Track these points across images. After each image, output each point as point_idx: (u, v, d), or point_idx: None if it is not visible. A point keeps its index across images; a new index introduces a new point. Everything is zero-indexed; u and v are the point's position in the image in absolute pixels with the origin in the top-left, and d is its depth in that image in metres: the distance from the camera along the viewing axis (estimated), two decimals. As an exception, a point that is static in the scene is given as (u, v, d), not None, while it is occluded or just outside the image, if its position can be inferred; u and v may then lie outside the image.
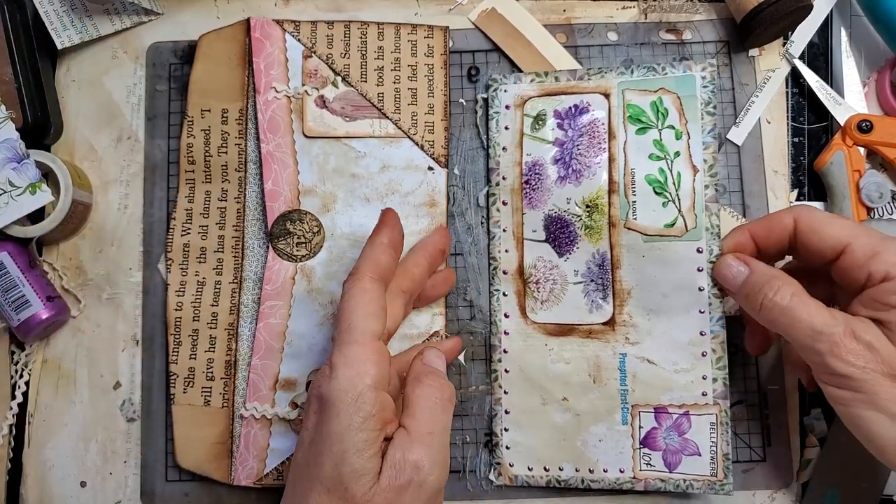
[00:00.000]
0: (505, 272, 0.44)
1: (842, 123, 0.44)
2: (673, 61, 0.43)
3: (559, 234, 0.43)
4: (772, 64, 0.46)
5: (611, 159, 0.42)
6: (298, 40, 0.45)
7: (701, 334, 0.41)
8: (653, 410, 0.41)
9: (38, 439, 0.45)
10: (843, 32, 0.46)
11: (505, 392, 0.43)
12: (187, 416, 0.44)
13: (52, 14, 0.45)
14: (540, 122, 0.43)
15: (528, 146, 0.44)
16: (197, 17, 0.47)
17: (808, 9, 0.43)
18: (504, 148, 0.44)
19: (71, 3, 0.45)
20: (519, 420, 0.43)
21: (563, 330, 0.43)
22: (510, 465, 0.43)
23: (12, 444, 0.45)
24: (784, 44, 0.46)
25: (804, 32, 0.46)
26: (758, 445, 0.44)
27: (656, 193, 0.41)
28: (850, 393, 0.33)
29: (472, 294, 0.45)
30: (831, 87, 0.46)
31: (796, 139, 0.46)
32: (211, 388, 0.44)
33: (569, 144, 0.43)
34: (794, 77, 0.46)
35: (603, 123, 0.43)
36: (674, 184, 0.41)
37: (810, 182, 0.46)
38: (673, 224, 0.41)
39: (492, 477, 0.43)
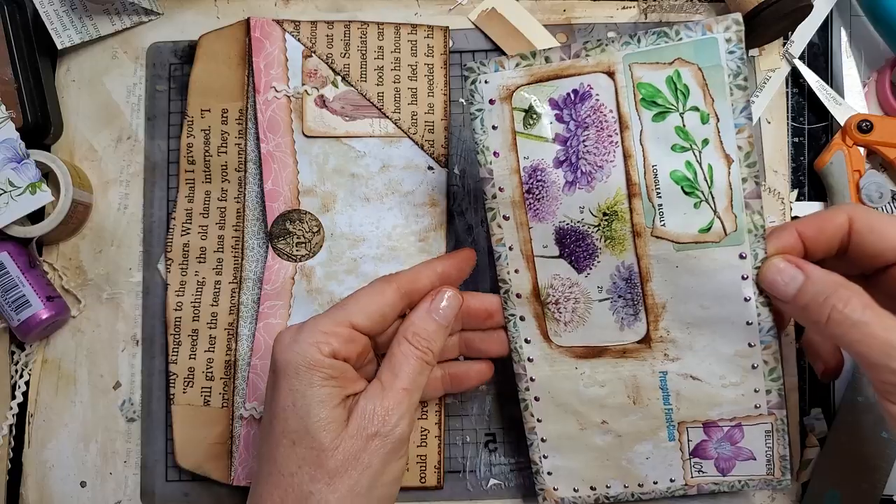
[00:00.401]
0: (518, 295, 0.38)
1: (842, 123, 0.44)
2: (688, 22, 0.34)
3: (575, 248, 0.37)
4: (772, 64, 0.46)
5: (626, 155, 0.35)
6: (298, 40, 0.45)
7: (749, 346, 0.37)
8: (701, 426, 0.39)
9: (38, 439, 0.45)
10: (843, 32, 0.46)
11: (539, 420, 0.40)
12: (187, 417, 0.44)
13: (52, 14, 0.45)
14: (534, 117, 0.36)
15: (524, 147, 0.36)
16: (197, 17, 0.47)
17: (808, 9, 0.43)
18: (496, 153, 0.37)
19: (71, 3, 0.45)
20: (558, 446, 0.40)
21: (594, 352, 0.38)
22: (554, 489, 0.41)
23: (12, 444, 0.45)
24: (784, 44, 0.46)
25: (804, 32, 0.46)
26: (758, 445, 0.44)
27: (685, 193, 0.35)
28: None
29: (472, 294, 0.45)
30: (831, 87, 0.46)
31: (796, 139, 0.46)
32: (211, 388, 0.44)
33: (573, 141, 0.36)
34: (794, 77, 0.46)
35: (611, 110, 0.35)
36: (705, 179, 0.34)
37: (810, 182, 0.46)
38: (709, 228, 0.35)
39: (540, 502, 0.42)
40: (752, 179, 0.34)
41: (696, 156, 0.34)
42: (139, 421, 0.45)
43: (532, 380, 0.40)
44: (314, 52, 0.45)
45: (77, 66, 0.47)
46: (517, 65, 0.35)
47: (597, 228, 0.36)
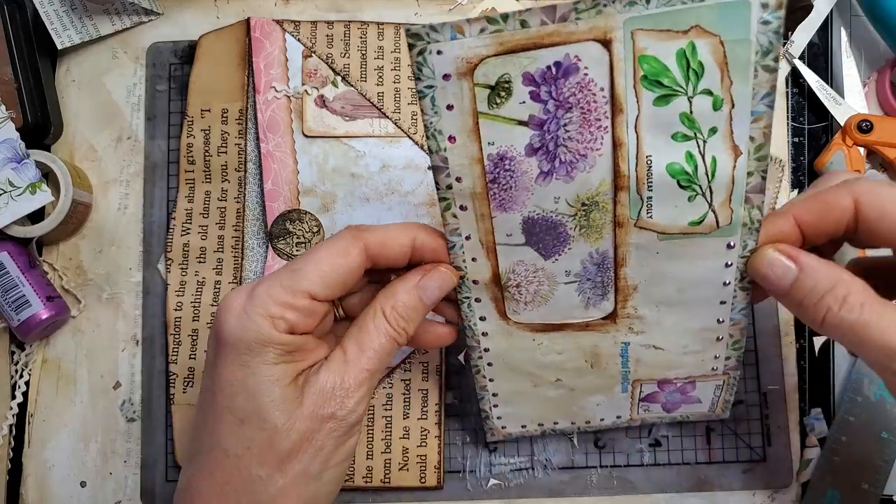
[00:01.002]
0: (476, 282, 0.34)
1: (842, 123, 0.44)
2: None
3: (544, 236, 0.32)
4: (772, 64, 0.46)
5: (616, 144, 0.29)
6: (298, 40, 0.45)
7: (718, 322, 0.35)
8: (656, 383, 0.39)
9: (38, 439, 0.45)
10: (843, 32, 0.46)
11: (490, 380, 0.39)
12: (187, 416, 0.44)
13: (52, 14, 0.45)
14: (503, 94, 0.28)
15: (489, 131, 0.29)
16: (197, 17, 0.47)
17: (808, 9, 0.43)
18: (451, 137, 0.29)
19: (71, 3, 0.45)
20: (510, 399, 0.40)
21: (554, 327, 0.36)
22: (503, 427, 0.42)
23: (12, 444, 0.45)
24: (784, 44, 0.46)
25: (804, 32, 0.46)
26: (758, 445, 0.44)
27: (681, 187, 0.30)
28: None
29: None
30: (831, 87, 0.46)
31: (796, 139, 0.46)
32: (211, 388, 0.44)
33: (551, 125, 0.29)
34: (794, 77, 0.46)
35: (602, 89, 0.28)
36: (707, 174, 0.30)
37: (810, 182, 0.46)
38: (700, 221, 0.31)
39: (488, 437, 0.42)
40: (758, 173, 0.29)
41: (699, 146, 0.29)
42: (139, 421, 0.45)
43: (486, 350, 0.37)
44: (314, 52, 0.45)
45: (77, 66, 0.47)
46: (482, 30, 0.27)
47: (572, 218, 0.32)
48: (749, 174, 0.30)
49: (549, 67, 0.28)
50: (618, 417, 0.41)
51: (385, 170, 0.45)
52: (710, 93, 0.28)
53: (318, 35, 0.46)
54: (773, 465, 0.43)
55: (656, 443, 0.44)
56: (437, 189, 0.31)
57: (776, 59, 0.27)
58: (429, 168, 0.45)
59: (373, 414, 0.44)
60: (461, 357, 0.44)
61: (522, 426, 0.42)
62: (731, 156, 0.29)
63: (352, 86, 0.45)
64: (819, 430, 0.44)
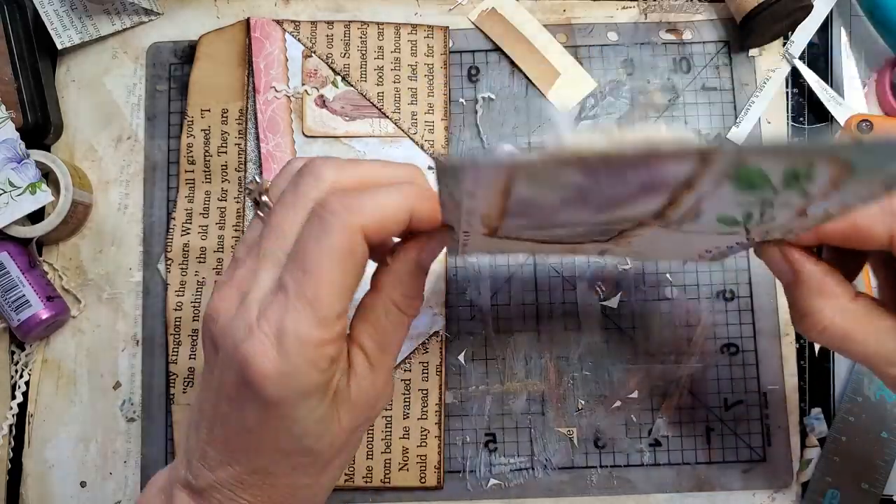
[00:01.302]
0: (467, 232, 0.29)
1: (842, 123, 0.44)
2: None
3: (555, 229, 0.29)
4: (772, 64, 0.46)
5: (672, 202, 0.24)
6: (298, 40, 0.45)
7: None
8: None
9: (38, 439, 0.45)
10: (843, 32, 0.46)
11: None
12: (187, 416, 0.44)
13: (52, 14, 0.45)
14: None
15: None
16: (197, 16, 0.47)
17: (808, 9, 0.43)
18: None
19: (71, 3, 0.45)
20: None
21: (544, 242, 0.32)
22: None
23: (12, 444, 0.45)
24: (784, 44, 0.46)
25: (804, 32, 0.46)
26: (758, 445, 0.44)
27: (722, 223, 0.27)
28: None
29: (473, 294, 0.45)
30: (831, 87, 0.46)
31: (796, 139, 0.46)
32: (211, 388, 0.44)
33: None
34: (794, 77, 0.46)
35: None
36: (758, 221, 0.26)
37: (810, 182, 0.46)
38: (729, 233, 0.28)
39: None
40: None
41: (762, 208, 0.24)
42: (139, 421, 0.45)
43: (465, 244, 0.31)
44: (314, 52, 0.45)
45: (77, 66, 0.47)
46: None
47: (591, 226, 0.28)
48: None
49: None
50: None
51: (385, 170, 0.45)
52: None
53: (318, 35, 0.46)
54: (773, 465, 0.43)
55: (656, 443, 0.44)
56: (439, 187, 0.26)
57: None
58: (429, 168, 0.45)
59: (373, 414, 0.44)
60: (461, 357, 0.44)
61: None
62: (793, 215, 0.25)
63: (352, 86, 0.45)
64: (819, 430, 0.44)
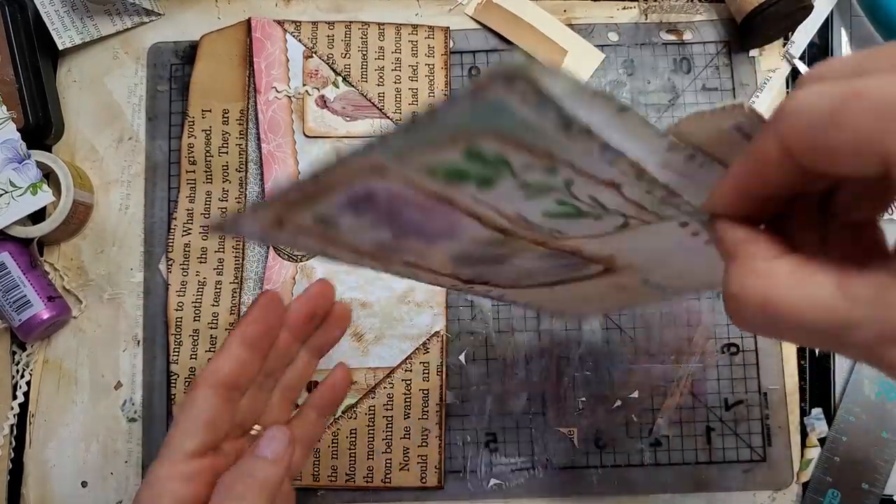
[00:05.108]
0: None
1: (842, 124, 0.44)
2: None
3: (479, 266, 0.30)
4: (772, 64, 0.46)
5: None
6: (299, 40, 0.45)
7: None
8: None
9: (39, 439, 0.45)
10: (843, 32, 0.46)
11: None
12: (188, 416, 0.44)
13: (53, 14, 0.45)
14: None
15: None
16: (198, 17, 0.47)
17: (808, 9, 0.43)
18: None
19: (72, 3, 0.45)
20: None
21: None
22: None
23: (13, 443, 0.45)
24: (784, 44, 0.46)
25: (804, 33, 0.46)
26: (758, 445, 0.44)
27: (581, 215, 0.24)
28: None
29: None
30: (831, 87, 0.46)
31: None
32: (212, 388, 0.44)
33: None
34: (795, 77, 0.46)
35: None
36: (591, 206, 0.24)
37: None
38: (625, 225, 0.25)
39: None
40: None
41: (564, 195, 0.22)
42: (140, 421, 0.45)
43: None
44: (315, 53, 0.45)
45: (78, 66, 0.47)
46: None
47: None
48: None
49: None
50: None
51: (386, 170, 0.45)
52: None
53: (318, 35, 0.46)
54: (773, 465, 0.44)
55: (657, 443, 0.44)
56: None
57: None
58: (429, 168, 0.45)
59: (374, 414, 0.44)
60: (461, 357, 0.45)
61: None
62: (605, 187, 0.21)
63: (353, 86, 0.45)
64: (819, 430, 0.44)
